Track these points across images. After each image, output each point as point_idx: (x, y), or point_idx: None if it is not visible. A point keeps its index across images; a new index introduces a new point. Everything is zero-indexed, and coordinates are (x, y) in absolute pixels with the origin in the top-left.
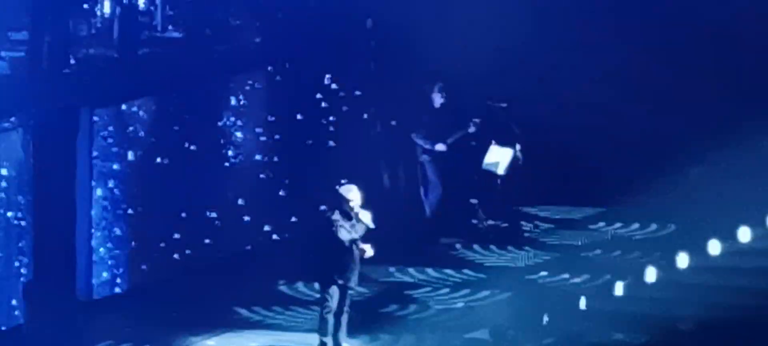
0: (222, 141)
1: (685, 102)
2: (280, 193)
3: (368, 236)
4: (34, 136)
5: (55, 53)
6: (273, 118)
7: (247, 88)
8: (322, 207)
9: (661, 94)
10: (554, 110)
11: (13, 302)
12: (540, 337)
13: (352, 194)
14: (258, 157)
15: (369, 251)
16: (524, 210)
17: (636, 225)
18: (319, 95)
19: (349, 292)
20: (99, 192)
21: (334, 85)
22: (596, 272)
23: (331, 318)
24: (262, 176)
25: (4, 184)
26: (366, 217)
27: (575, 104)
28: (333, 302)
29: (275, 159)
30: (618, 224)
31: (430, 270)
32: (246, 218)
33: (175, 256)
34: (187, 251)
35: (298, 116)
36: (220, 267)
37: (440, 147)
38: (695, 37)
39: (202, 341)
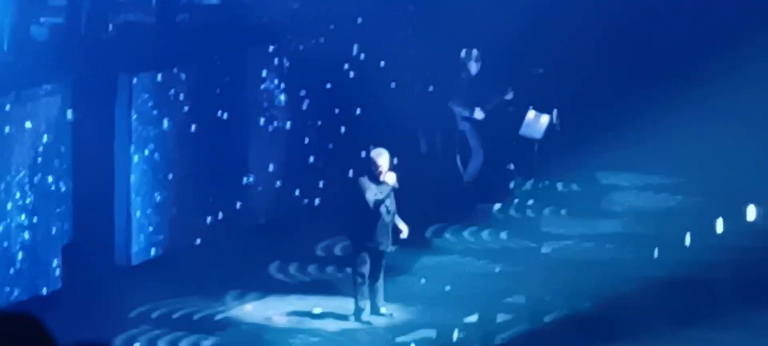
0: (264, 105)
1: (728, 71)
2: (319, 158)
3: (405, 203)
4: (72, 102)
5: (94, 19)
6: (312, 83)
7: (287, 52)
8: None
9: (703, 61)
10: (592, 76)
11: (52, 266)
12: (577, 302)
13: (382, 158)
14: (298, 122)
15: (405, 230)
16: (561, 176)
17: (671, 190)
18: (357, 60)
19: (382, 256)
20: (138, 157)
21: (372, 50)
22: (633, 237)
23: (364, 283)
24: (306, 140)
25: (41, 149)
26: (391, 177)
27: (613, 70)
28: (365, 268)
29: (319, 123)
30: (651, 191)
31: (466, 235)
32: (284, 183)
33: (213, 221)
34: (225, 216)
35: (337, 81)
36: (258, 232)
37: (478, 114)
38: (738, 8)
39: (240, 306)
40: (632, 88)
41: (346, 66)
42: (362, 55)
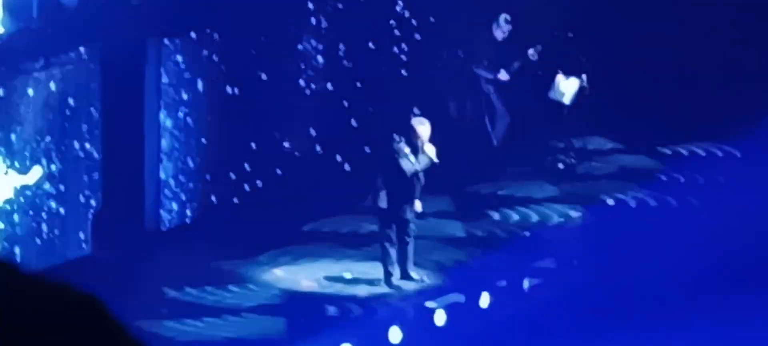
0: (301, 66)
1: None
2: (356, 121)
3: (435, 167)
4: (102, 67)
5: None
6: (349, 44)
7: (324, 13)
8: (394, 137)
9: (746, 21)
10: (621, 40)
11: (81, 232)
12: (607, 268)
13: (423, 127)
14: (333, 84)
15: (419, 207)
16: (590, 139)
17: (701, 153)
18: (390, 24)
19: (410, 221)
20: (169, 121)
21: (405, 14)
22: (663, 203)
23: (392, 248)
24: (345, 103)
25: (68, 113)
26: (431, 151)
27: (642, 34)
28: (392, 232)
29: (357, 85)
30: (685, 151)
31: (496, 199)
32: (318, 147)
33: (243, 186)
34: (256, 181)
35: (370, 45)
36: (289, 197)
37: (502, 75)
38: None
39: (270, 270)
40: (665, 52)
41: (380, 29)
42: (396, 19)
